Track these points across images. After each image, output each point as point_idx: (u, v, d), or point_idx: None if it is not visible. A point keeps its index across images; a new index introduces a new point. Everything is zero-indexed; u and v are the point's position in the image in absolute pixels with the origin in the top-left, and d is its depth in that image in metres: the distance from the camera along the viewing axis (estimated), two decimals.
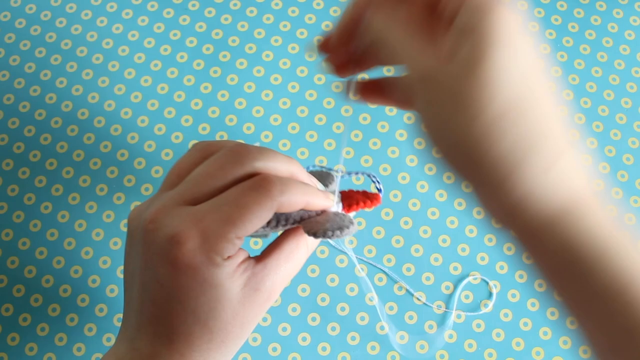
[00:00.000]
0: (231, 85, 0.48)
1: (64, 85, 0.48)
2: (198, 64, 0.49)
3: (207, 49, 0.49)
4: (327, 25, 0.50)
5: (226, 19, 0.50)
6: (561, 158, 0.27)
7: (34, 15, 0.50)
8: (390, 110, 0.48)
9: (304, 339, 0.43)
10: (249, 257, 0.31)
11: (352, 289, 0.44)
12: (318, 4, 0.51)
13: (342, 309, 0.44)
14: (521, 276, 0.45)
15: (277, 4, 0.51)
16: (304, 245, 0.33)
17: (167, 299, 0.29)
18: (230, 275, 0.30)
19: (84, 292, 0.44)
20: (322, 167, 0.37)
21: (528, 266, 0.41)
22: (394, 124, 0.48)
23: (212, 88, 0.48)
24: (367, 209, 0.35)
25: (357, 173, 0.36)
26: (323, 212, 0.33)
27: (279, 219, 0.32)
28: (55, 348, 0.43)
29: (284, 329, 0.43)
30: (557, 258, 0.27)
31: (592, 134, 0.48)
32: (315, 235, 0.31)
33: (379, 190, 0.36)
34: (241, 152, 0.31)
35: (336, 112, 0.48)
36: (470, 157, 0.27)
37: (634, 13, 0.52)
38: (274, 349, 0.43)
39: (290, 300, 0.44)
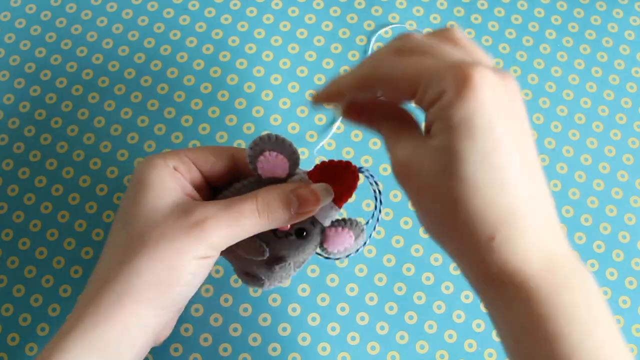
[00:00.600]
0: (231, 85, 0.48)
1: (64, 85, 0.48)
2: (198, 64, 0.49)
3: (207, 49, 0.49)
4: (327, 26, 0.50)
5: (226, 19, 0.50)
6: (529, 235, 0.28)
7: (34, 15, 0.50)
8: None
9: (304, 339, 0.43)
10: (200, 199, 0.35)
11: (352, 289, 0.44)
12: (318, 4, 0.51)
13: (342, 309, 0.44)
14: None
15: (277, 4, 0.51)
16: (253, 206, 0.33)
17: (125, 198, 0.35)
18: (165, 179, 0.33)
19: None
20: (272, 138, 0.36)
21: None
22: None
23: (212, 88, 0.48)
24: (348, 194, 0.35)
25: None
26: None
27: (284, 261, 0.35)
28: None
29: (284, 329, 0.43)
30: (520, 329, 0.28)
31: (592, 134, 0.48)
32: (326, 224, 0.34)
33: (364, 172, 0.36)
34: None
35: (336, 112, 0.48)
36: (448, 236, 0.29)
37: (634, 13, 0.52)
38: (274, 349, 0.43)
39: (290, 300, 0.44)
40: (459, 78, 0.26)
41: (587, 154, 0.48)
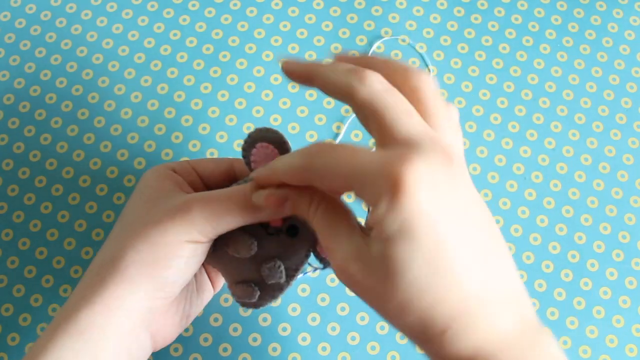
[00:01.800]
0: (231, 85, 0.48)
1: (64, 85, 0.48)
2: (198, 64, 0.49)
3: (207, 49, 0.49)
4: (327, 26, 0.50)
5: (226, 19, 0.50)
6: (484, 322, 0.27)
7: (34, 15, 0.50)
8: None
9: (304, 339, 0.43)
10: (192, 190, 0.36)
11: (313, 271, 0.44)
12: (318, 4, 0.51)
13: (342, 309, 0.44)
14: (521, 276, 0.45)
15: (277, 4, 0.51)
16: (240, 190, 0.32)
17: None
18: (161, 177, 0.35)
19: None
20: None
21: (528, 266, 0.42)
22: None
23: (212, 88, 0.48)
24: None
25: None
26: None
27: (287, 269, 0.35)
28: None
29: (284, 329, 0.43)
30: None
31: (592, 134, 0.48)
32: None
33: None
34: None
35: (336, 112, 0.48)
36: (401, 331, 0.28)
37: (634, 13, 0.52)
38: (274, 349, 0.43)
39: (290, 300, 0.44)
40: (391, 182, 0.25)
41: (587, 154, 0.48)
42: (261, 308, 0.37)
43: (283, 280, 0.35)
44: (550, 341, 0.28)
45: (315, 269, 0.37)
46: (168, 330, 0.36)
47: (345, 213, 0.30)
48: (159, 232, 0.32)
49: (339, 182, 0.27)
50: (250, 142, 0.34)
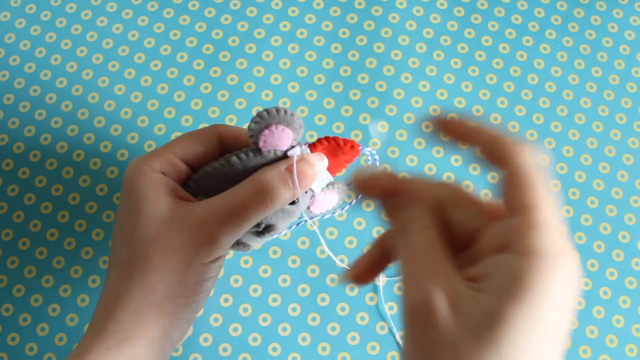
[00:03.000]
0: (231, 85, 0.48)
1: (64, 85, 0.48)
2: (198, 64, 0.49)
3: (207, 49, 0.49)
4: (327, 26, 0.50)
5: (226, 19, 0.50)
6: None
7: (34, 15, 0.50)
8: (390, 110, 0.48)
9: (304, 339, 0.43)
10: (192, 199, 0.34)
11: (352, 289, 0.44)
12: (318, 4, 0.51)
13: (342, 309, 0.44)
14: None
15: (277, 4, 0.51)
16: (252, 190, 0.32)
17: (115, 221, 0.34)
18: (158, 190, 0.31)
19: (84, 292, 0.44)
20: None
21: None
22: (394, 123, 0.48)
23: (212, 88, 0.48)
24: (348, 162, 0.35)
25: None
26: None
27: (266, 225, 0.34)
28: (55, 348, 0.43)
29: (284, 329, 0.43)
30: None
31: (592, 134, 0.48)
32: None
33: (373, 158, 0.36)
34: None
35: (336, 112, 0.48)
36: None
37: (634, 13, 0.52)
38: (274, 349, 0.43)
39: (290, 300, 0.44)
40: (557, 245, 0.23)
41: (587, 154, 0.48)
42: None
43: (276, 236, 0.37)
44: None
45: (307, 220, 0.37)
46: (175, 341, 0.36)
47: (447, 249, 0.25)
48: (184, 261, 0.30)
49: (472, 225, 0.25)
50: (265, 124, 0.32)
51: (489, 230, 0.24)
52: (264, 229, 0.36)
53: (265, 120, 0.32)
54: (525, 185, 0.24)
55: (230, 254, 0.44)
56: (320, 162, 0.33)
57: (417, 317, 0.23)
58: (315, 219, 0.38)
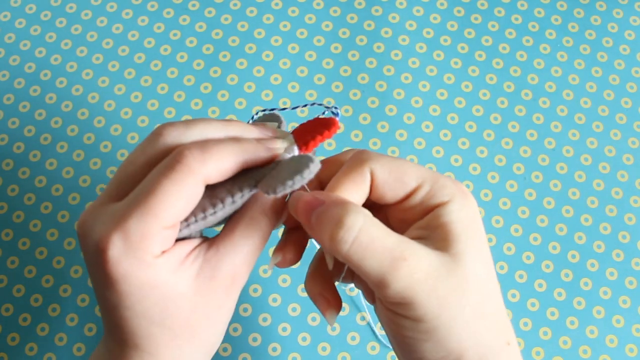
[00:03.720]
0: (231, 85, 0.48)
1: (64, 85, 0.48)
2: (198, 64, 0.49)
3: (207, 49, 0.49)
4: (327, 26, 0.50)
5: (226, 19, 0.50)
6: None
7: (34, 15, 0.50)
8: (390, 110, 0.48)
9: (304, 339, 0.43)
10: (202, 243, 0.28)
11: (352, 289, 0.44)
12: (318, 4, 0.51)
13: (342, 309, 0.44)
14: (521, 276, 0.45)
15: (277, 4, 0.51)
16: (261, 215, 0.29)
17: (115, 307, 0.27)
18: (173, 270, 0.27)
19: (84, 292, 0.44)
20: (263, 110, 0.33)
21: (528, 266, 0.42)
22: (394, 124, 0.48)
23: (212, 88, 0.48)
24: (327, 139, 0.31)
25: (303, 105, 0.32)
26: (276, 163, 0.28)
27: (220, 196, 0.28)
28: (55, 348, 0.43)
29: (284, 329, 0.43)
30: None
31: (592, 134, 0.48)
32: (274, 191, 0.26)
33: (335, 114, 0.31)
34: (160, 130, 0.27)
35: None
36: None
37: (634, 13, 0.52)
38: (274, 349, 0.43)
39: (290, 300, 0.44)
40: (462, 190, 0.29)
41: (587, 154, 0.48)
42: None
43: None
44: None
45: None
46: None
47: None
48: (225, 315, 0.30)
49: (407, 180, 0.29)
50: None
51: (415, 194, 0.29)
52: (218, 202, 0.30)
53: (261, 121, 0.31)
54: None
55: None
56: (280, 143, 0.30)
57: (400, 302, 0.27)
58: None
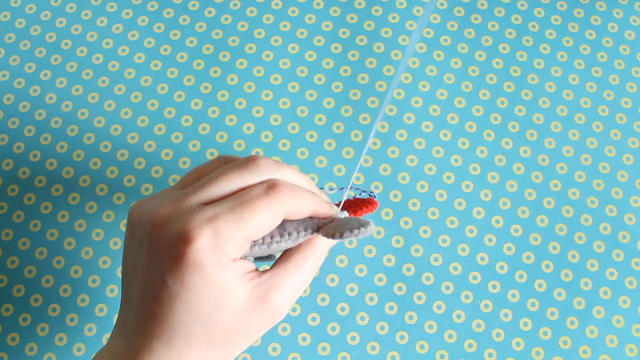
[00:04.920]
0: (231, 85, 0.48)
1: (64, 85, 0.48)
2: (198, 64, 0.49)
3: (207, 49, 0.49)
4: (327, 26, 0.50)
5: (226, 19, 0.50)
6: None
7: (34, 15, 0.50)
8: (390, 110, 0.48)
9: (304, 339, 0.43)
10: (256, 270, 0.32)
11: (352, 289, 0.44)
12: (318, 4, 0.51)
13: (342, 309, 0.44)
14: (521, 276, 0.45)
15: (277, 4, 0.51)
16: (311, 256, 0.33)
17: (170, 297, 0.29)
18: (236, 279, 0.30)
19: (84, 292, 0.44)
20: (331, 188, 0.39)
21: (528, 266, 0.42)
22: (394, 124, 0.48)
23: (212, 88, 0.48)
24: (369, 213, 0.36)
25: (350, 188, 0.37)
26: (332, 219, 0.34)
27: (289, 230, 0.33)
28: (55, 348, 0.43)
29: (284, 329, 0.43)
30: None
31: (592, 134, 0.48)
32: (340, 236, 0.32)
33: (373, 196, 0.38)
34: (259, 161, 0.32)
35: (336, 112, 0.48)
36: None
37: (634, 13, 0.52)
38: (274, 349, 0.43)
39: None
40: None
41: (587, 154, 0.48)
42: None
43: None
44: None
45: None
46: None
47: None
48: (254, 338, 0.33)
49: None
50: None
51: None
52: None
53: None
54: None
55: None
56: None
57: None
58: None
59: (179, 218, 0.29)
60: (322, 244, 0.34)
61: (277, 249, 0.33)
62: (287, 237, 0.32)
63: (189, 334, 0.30)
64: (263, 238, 0.32)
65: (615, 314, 0.44)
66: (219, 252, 0.29)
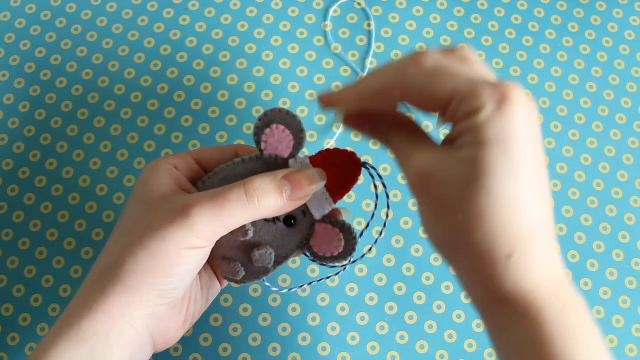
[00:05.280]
0: (231, 85, 0.48)
1: (64, 85, 0.48)
2: (198, 64, 0.49)
3: (207, 49, 0.49)
4: (327, 26, 0.50)
5: (226, 19, 0.50)
6: (542, 257, 0.29)
7: (34, 15, 0.50)
8: None
9: (304, 339, 0.43)
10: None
11: (352, 289, 0.44)
12: (318, 4, 0.51)
13: (342, 309, 0.44)
14: None
15: (277, 4, 0.51)
16: (241, 198, 0.32)
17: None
18: (160, 174, 0.34)
19: None
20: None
21: None
22: None
23: (212, 88, 0.48)
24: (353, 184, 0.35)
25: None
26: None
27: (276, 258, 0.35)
28: None
29: (284, 329, 0.43)
30: (527, 347, 0.28)
31: (592, 134, 0.48)
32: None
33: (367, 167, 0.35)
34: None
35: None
36: (463, 252, 0.29)
37: (634, 13, 0.52)
38: (274, 349, 0.43)
39: (290, 300, 0.44)
40: (499, 95, 0.27)
41: (587, 154, 0.48)
42: (241, 285, 0.37)
43: (271, 266, 0.35)
44: (587, 308, 0.29)
45: (314, 260, 0.36)
46: (172, 333, 0.35)
47: (417, 127, 0.31)
48: (157, 241, 0.31)
49: (437, 98, 0.28)
50: (267, 121, 0.33)
51: (451, 107, 0.28)
52: (254, 244, 0.35)
53: (268, 117, 0.33)
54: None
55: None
56: (318, 176, 0.33)
57: (419, 185, 0.29)
58: (316, 261, 0.36)
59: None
60: (259, 178, 0.32)
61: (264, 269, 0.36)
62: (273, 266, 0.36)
63: (112, 233, 0.34)
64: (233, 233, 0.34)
65: (615, 314, 0.44)
66: (159, 159, 0.36)
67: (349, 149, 0.34)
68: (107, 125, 0.47)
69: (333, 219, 0.35)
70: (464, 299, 0.44)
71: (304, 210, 0.35)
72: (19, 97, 0.48)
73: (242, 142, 0.47)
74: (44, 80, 0.48)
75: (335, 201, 0.34)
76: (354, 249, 0.35)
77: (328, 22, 0.50)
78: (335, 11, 0.51)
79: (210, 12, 0.50)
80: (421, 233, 0.46)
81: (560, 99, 0.49)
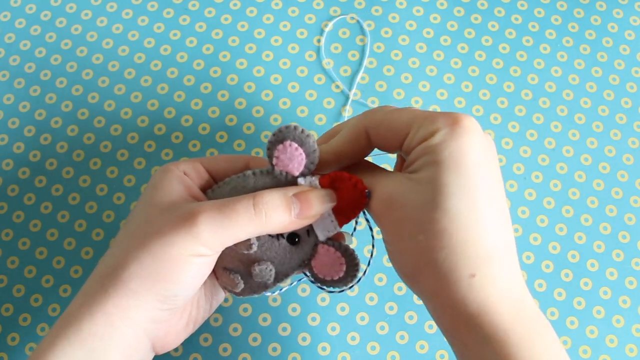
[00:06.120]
0: (231, 85, 0.48)
1: (64, 85, 0.48)
2: (198, 64, 0.49)
3: (207, 49, 0.49)
4: (327, 25, 0.50)
5: (226, 19, 0.50)
6: (504, 278, 0.29)
7: (34, 15, 0.50)
8: None
9: (304, 339, 0.43)
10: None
11: (352, 289, 0.44)
12: (318, 4, 0.51)
13: (342, 309, 0.44)
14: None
15: (277, 4, 0.51)
16: (249, 210, 0.32)
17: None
18: (170, 180, 0.34)
19: None
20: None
21: (528, 266, 0.42)
22: None
23: (212, 88, 0.48)
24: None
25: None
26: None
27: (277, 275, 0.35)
28: None
29: (284, 329, 0.43)
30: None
31: (592, 134, 0.48)
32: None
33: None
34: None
35: (336, 112, 0.48)
36: (425, 274, 0.30)
37: (634, 13, 0.52)
38: (274, 349, 0.43)
39: (290, 300, 0.44)
40: (452, 120, 0.29)
41: (587, 154, 0.48)
42: (240, 297, 0.37)
43: (270, 282, 0.35)
44: (552, 330, 0.30)
45: (313, 282, 0.36)
46: (172, 337, 0.35)
47: (383, 168, 0.34)
48: (162, 246, 0.31)
49: (398, 128, 0.31)
50: (281, 137, 0.33)
51: (408, 136, 0.31)
52: (255, 259, 0.35)
53: (282, 133, 0.33)
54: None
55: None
56: (328, 198, 0.33)
57: (382, 211, 0.31)
58: (316, 283, 0.36)
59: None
60: (268, 193, 0.32)
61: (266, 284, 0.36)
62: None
63: (118, 234, 0.35)
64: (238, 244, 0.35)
65: (615, 314, 0.44)
66: (170, 164, 0.36)
67: (356, 177, 0.33)
68: (107, 125, 0.47)
69: (337, 243, 0.35)
70: None
71: (309, 230, 0.35)
72: (19, 97, 0.48)
73: (242, 143, 0.47)
74: (44, 80, 0.48)
75: (340, 225, 0.34)
76: (355, 276, 0.35)
77: (328, 22, 0.50)
78: (335, 11, 0.51)
79: (210, 12, 0.50)
80: None
81: (560, 99, 0.49)
